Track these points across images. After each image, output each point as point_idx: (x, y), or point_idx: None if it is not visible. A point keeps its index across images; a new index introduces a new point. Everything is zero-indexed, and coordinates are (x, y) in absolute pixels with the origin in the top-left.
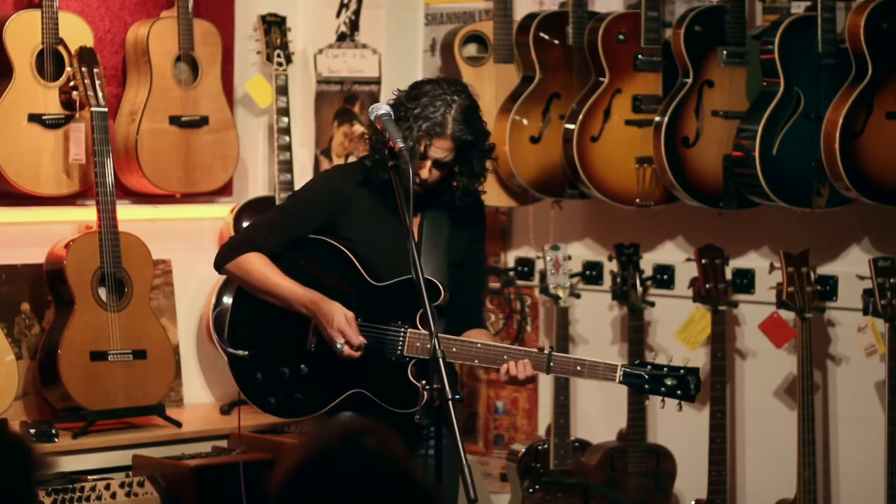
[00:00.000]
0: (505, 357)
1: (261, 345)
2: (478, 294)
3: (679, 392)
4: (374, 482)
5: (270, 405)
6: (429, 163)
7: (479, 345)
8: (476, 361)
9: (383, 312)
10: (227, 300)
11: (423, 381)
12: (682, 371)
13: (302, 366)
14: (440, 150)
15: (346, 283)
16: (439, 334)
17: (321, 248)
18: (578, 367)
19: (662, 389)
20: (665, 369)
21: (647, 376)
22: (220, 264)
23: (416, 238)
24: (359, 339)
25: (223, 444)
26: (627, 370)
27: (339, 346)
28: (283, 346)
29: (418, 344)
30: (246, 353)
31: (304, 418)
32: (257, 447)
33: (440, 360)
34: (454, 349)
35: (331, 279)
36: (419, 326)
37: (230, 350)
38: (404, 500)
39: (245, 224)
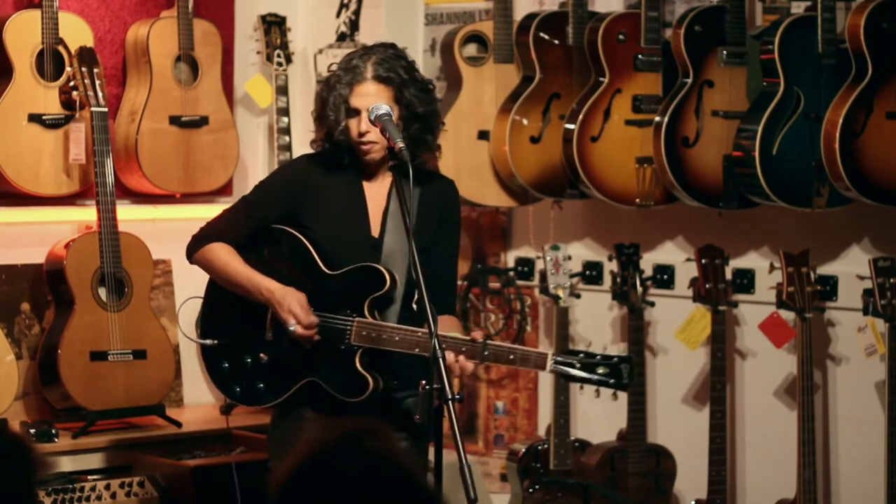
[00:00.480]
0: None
1: (228, 334)
2: (447, 279)
3: (612, 381)
4: (375, 482)
5: (235, 393)
6: (360, 117)
7: (419, 333)
8: (417, 350)
9: (335, 301)
10: None
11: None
12: (615, 359)
13: (262, 355)
14: (367, 95)
15: (302, 271)
16: (391, 324)
17: (283, 238)
18: (511, 356)
19: (594, 378)
20: (598, 357)
21: (578, 364)
22: (188, 255)
23: (381, 225)
24: (309, 319)
25: (223, 444)
26: (559, 358)
27: (291, 327)
28: (246, 336)
29: (365, 333)
30: (213, 342)
31: (265, 406)
32: (256, 447)
33: (440, 360)
34: (396, 338)
35: (289, 267)
36: (367, 315)
37: (197, 339)
38: (404, 501)
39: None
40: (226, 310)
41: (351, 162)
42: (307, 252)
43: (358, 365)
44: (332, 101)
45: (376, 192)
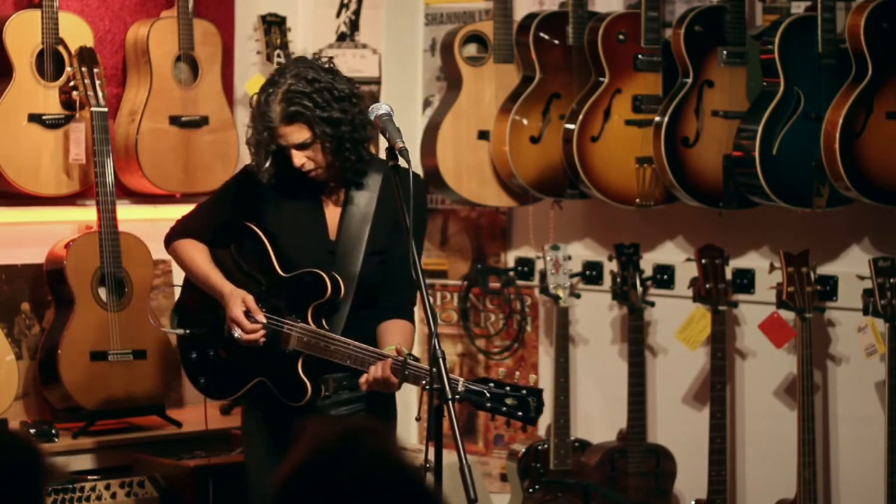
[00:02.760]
0: (359, 357)
1: (198, 325)
2: (404, 278)
3: (519, 413)
4: (374, 482)
5: (200, 384)
6: (292, 151)
7: (352, 345)
8: (349, 362)
9: (283, 303)
10: None
11: (424, 381)
12: (523, 392)
13: (222, 351)
14: (286, 136)
15: (259, 272)
16: (323, 330)
17: (248, 235)
18: (426, 380)
19: (503, 409)
20: (507, 388)
21: (488, 394)
22: (165, 246)
23: (337, 230)
24: (251, 326)
25: (223, 444)
26: (469, 385)
27: (235, 334)
28: (212, 330)
29: (305, 339)
30: (183, 331)
31: (224, 400)
32: None
33: (440, 360)
34: (332, 347)
35: (250, 267)
36: (310, 321)
37: (169, 329)
38: (404, 501)
39: None
40: (197, 301)
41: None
42: (266, 252)
43: (299, 370)
44: (255, 143)
45: (332, 196)
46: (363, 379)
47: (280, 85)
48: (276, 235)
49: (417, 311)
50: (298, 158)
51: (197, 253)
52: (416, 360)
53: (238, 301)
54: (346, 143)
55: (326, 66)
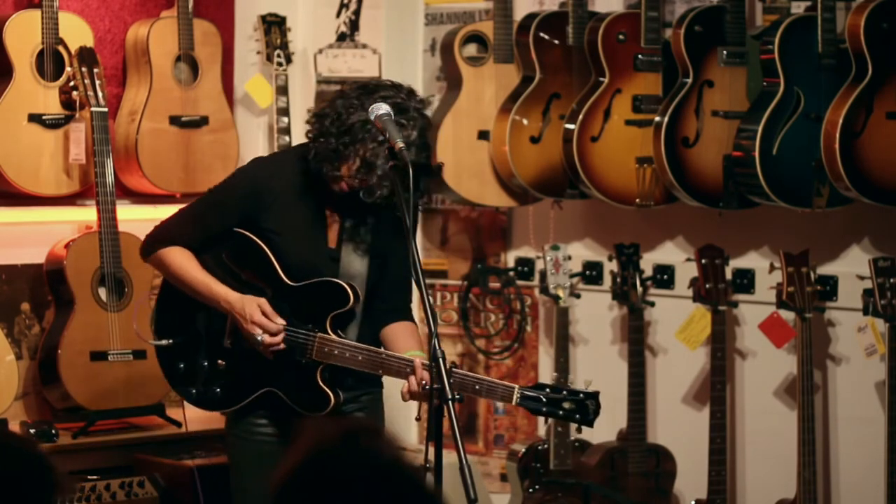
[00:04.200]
0: (393, 366)
1: (182, 334)
2: (404, 281)
3: (578, 416)
4: (374, 482)
5: (191, 395)
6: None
7: (383, 355)
8: (380, 372)
9: (296, 313)
10: None
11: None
12: (581, 395)
13: (220, 361)
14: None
15: (262, 280)
16: (345, 339)
17: (243, 243)
18: (477, 387)
19: (560, 413)
20: (564, 392)
21: (544, 399)
22: (143, 255)
23: (338, 237)
24: (276, 326)
25: (223, 444)
26: (525, 392)
27: (259, 338)
28: (204, 340)
29: (326, 349)
30: (168, 342)
31: (221, 411)
32: None
33: (441, 360)
34: (360, 358)
35: (249, 275)
36: (329, 331)
37: (152, 341)
38: (404, 501)
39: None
40: (180, 309)
41: (311, 176)
42: (267, 260)
43: (319, 380)
44: (368, 156)
45: (333, 203)
46: (405, 389)
47: (410, 110)
48: (276, 243)
49: (417, 311)
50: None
51: (187, 261)
52: (457, 367)
53: (254, 306)
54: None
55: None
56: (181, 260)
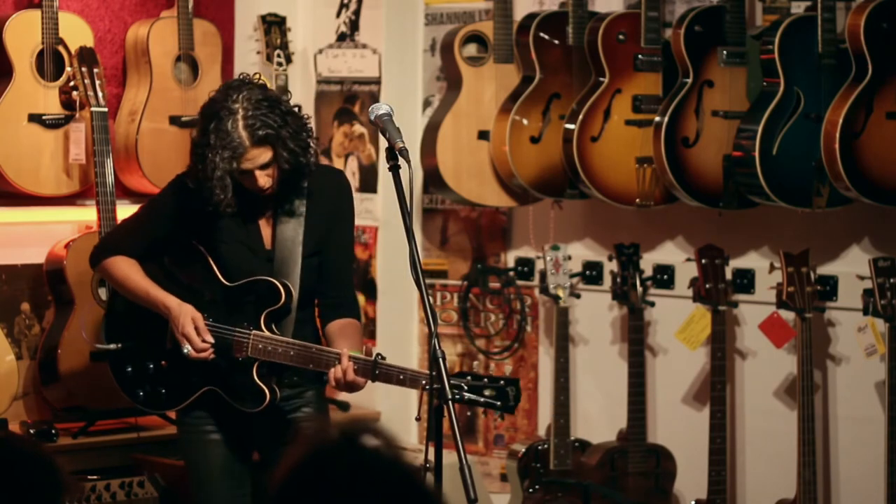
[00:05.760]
0: (323, 359)
1: (131, 338)
2: (344, 275)
3: (498, 403)
4: (373, 482)
5: (139, 397)
6: (256, 172)
7: (314, 349)
8: (311, 366)
9: (233, 312)
10: None
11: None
12: (501, 382)
13: (163, 362)
14: (253, 160)
15: (201, 282)
16: (278, 336)
17: (184, 248)
18: (401, 376)
19: (482, 400)
20: (485, 380)
21: (466, 387)
22: (91, 265)
23: (271, 237)
24: (202, 344)
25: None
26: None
27: (185, 350)
28: (149, 343)
29: (261, 346)
30: (115, 346)
31: (167, 411)
32: None
33: (440, 360)
34: (292, 353)
35: (189, 278)
36: (263, 328)
37: (100, 346)
38: (403, 501)
39: None
40: (128, 314)
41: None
42: (206, 263)
43: (255, 376)
44: (215, 176)
45: (262, 204)
46: (330, 377)
47: (234, 112)
48: (213, 248)
49: (417, 311)
50: (263, 179)
51: (130, 269)
52: (384, 358)
53: (188, 318)
54: (301, 152)
55: (259, 83)
56: (125, 268)
